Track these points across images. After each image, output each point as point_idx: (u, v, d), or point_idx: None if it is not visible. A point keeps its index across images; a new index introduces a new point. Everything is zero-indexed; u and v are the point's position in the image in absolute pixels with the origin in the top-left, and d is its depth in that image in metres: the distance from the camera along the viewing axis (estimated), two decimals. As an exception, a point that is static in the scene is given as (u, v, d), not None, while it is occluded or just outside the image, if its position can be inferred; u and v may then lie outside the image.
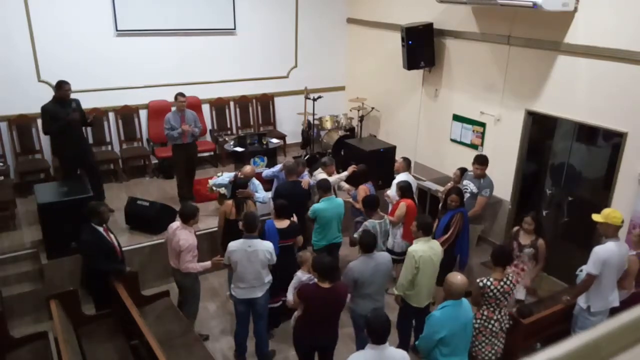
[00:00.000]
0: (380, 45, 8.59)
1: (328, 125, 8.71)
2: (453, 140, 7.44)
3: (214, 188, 6.47)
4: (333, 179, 5.97)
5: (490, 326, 4.08)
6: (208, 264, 4.83)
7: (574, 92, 5.66)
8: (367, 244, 4.31)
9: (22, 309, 5.38)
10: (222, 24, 8.36)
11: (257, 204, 5.71)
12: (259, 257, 4.46)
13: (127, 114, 7.97)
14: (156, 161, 8.06)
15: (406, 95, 8.32)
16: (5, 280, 5.50)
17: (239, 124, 8.92)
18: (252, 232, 4.49)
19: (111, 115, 7.85)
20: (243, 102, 8.91)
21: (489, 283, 4.00)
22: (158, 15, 7.80)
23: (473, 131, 7.08)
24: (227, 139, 8.16)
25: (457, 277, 3.69)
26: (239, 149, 7.39)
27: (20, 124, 7.22)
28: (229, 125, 8.83)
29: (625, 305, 4.27)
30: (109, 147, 7.90)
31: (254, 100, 9.01)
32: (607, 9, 5.23)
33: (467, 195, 5.58)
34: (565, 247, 5.91)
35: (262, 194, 5.82)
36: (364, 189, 5.84)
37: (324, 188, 5.48)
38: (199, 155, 7.61)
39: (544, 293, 5.42)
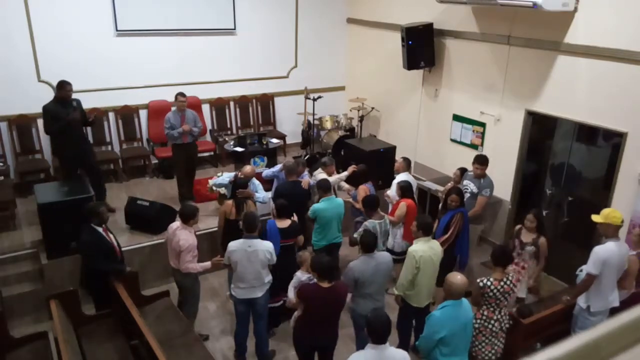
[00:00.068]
0: (380, 45, 8.59)
1: (328, 125, 8.71)
2: (453, 140, 7.44)
3: (214, 188, 6.47)
4: (333, 179, 5.97)
5: (490, 326, 4.08)
6: (208, 264, 4.83)
7: (574, 92, 5.66)
8: (368, 243, 4.31)
9: (22, 309, 5.38)
10: (222, 24, 8.36)
11: (257, 204, 5.71)
12: (259, 257, 4.46)
13: (127, 114, 7.97)
14: (156, 161, 8.06)
15: (406, 95, 8.32)
16: (5, 280, 5.50)
17: (239, 124, 8.92)
18: (252, 232, 4.49)
19: (111, 115, 7.85)
20: (243, 102, 8.91)
21: (489, 283, 4.00)
22: (158, 15, 7.80)
23: (473, 131, 7.08)
24: (227, 139, 8.16)
25: (457, 277, 3.69)
26: (239, 149, 7.39)
27: (20, 124, 7.22)
28: (229, 125, 8.83)
29: (625, 305, 4.27)
30: (109, 147, 7.90)
31: (254, 100, 9.01)
32: (607, 9, 5.23)
33: (467, 195, 5.58)
34: (565, 247, 5.90)
35: (262, 194, 5.82)
36: (364, 189, 5.84)
37: (324, 188, 5.49)
38: (199, 155, 7.61)
39: (544, 293, 5.42)
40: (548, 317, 4.49)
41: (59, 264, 5.53)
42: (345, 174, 6.24)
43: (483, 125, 6.91)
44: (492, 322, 4.08)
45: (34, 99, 6.97)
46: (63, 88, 6.08)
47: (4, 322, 4.39)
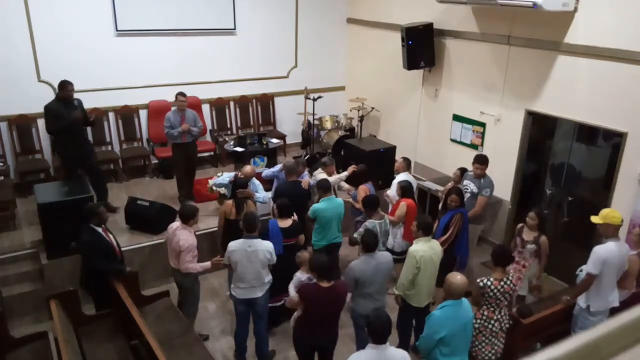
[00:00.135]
0: (380, 45, 8.59)
1: (328, 125, 8.71)
2: (453, 140, 7.44)
3: (214, 188, 6.47)
4: (333, 179, 5.97)
5: (490, 326, 4.08)
6: (208, 264, 4.83)
7: (574, 92, 5.66)
8: (369, 243, 4.31)
9: (22, 309, 5.38)
10: (222, 24, 8.36)
11: (257, 204, 5.71)
12: (259, 257, 4.46)
13: (127, 114, 7.97)
14: (156, 161, 8.06)
15: (406, 95, 8.32)
16: (5, 280, 5.50)
17: (239, 124, 8.92)
18: (252, 232, 4.49)
19: (111, 115, 7.85)
20: (243, 102, 8.91)
21: (489, 283, 4.00)
22: (158, 15, 7.80)
23: (473, 131, 7.08)
24: (227, 139, 8.16)
25: (457, 277, 3.69)
26: (239, 149, 7.39)
27: (20, 124, 7.22)
28: (229, 125, 8.83)
29: (625, 305, 4.27)
30: (109, 147, 7.90)
31: (254, 100, 9.01)
32: (607, 9, 5.23)
33: (467, 195, 5.58)
34: (565, 247, 5.90)
35: (262, 194, 5.82)
36: (364, 189, 5.84)
37: (324, 188, 5.49)
38: (199, 155, 7.61)
39: (544, 293, 5.42)
40: (548, 317, 4.49)
41: (59, 264, 5.53)
42: (345, 174, 6.24)
43: (483, 125, 6.91)
44: (492, 322, 4.08)
45: (34, 99, 6.98)
46: (65, 88, 6.09)
47: (4, 322, 4.39)
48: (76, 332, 4.52)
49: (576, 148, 6.05)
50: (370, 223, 5.05)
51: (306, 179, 6.00)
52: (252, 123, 9.04)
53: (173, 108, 6.79)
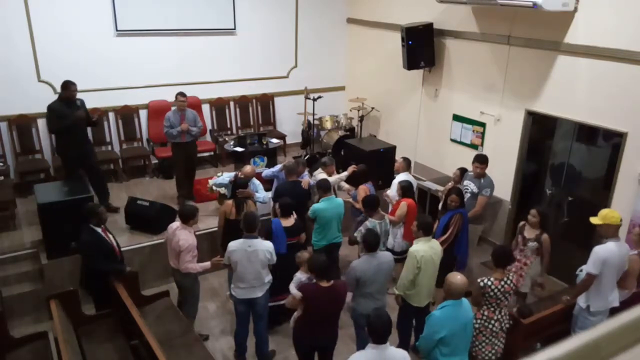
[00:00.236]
0: (380, 45, 8.59)
1: (328, 125, 8.71)
2: (453, 140, 7.44)
3: (214, 188, 6.47)
4: (333, 179, 5.97)
5: (490, 326, 4.09)
6: (207, 264, 4.83)
7: (574, 92, 5.66)
8: (371, 243, 4.31)
9: (22, 309, 5.38)
10: (222, 24, 8.36)
11: (257, 204, 5.71)
12: (259, 257, 4.46)
13: (127, 114, 7.97)
14: (156, 161, 8.06)
15: (406, 95, 8.32)
16: (5, 280, 5.50)
17: (239, 124, 8.92)
18: (252, 232, 4.49)
19: (111, 115, 7.85)
20: (243, 102, 8.91)
21: (489, 283, 4.01)
22: (158, 15, 7.80)
23: (473, 131, 7.08)
24: (227, 139, 8.16)
25: (457, 277, 3.69)
26: (239, 149, 7.39)
27: (20, 124, 7.22)
28: (229, 125, 8.83)
29: (625, 305, 4.27)
30: (109, 147, 7.90)
31: (254, 100, 9.01)
32: (607, 9, 5.23)
33: (467, 195, 5.58)
34: (565, 247, 5.90)
35: (262, 194, 5.82)
36: (364, 189, 5.84)
37: (324, 188, 5.49)
38: (199, 155, 7.61)
39: (544, 293, 5.42)
40: (548, 317, 4.49)
41: (59, 264, 5.53)
42: (345, 174, 6.24)
43: (483, 125, 6.91)
44: (493, 322, 4.08)
45: (34, 99, 6.99)
46: (68, 88, 6.10)
47: (4, 322, 4.39)
48: (76, 332, 4.52)
49: (576, 148, 6.05)
50: (370, 223, 5.05)
51: (306, 179, 6.00)
52: (252, 123, 9.04)
53: (173, 108, 6.79)
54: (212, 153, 8.62)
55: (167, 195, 7.19)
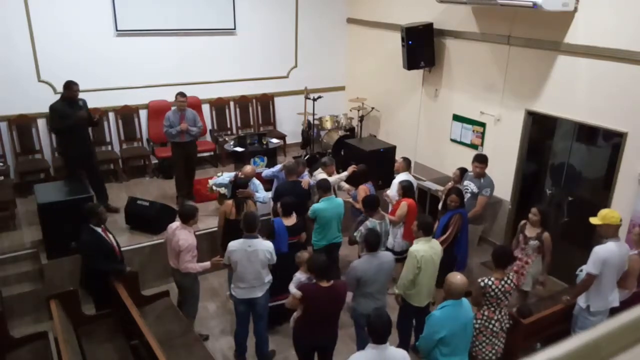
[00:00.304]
0: (380, 45, 8.59)
1: (328, 125, 8.71)
2: (453, 140, 7.44)
3: (214, 188, 6.47)
4: (333, 179, 5.97)
5: (491, 326, 4.09)
6: (207, 264, 4.83)
7: (574, 92, 5.66)
8: (372, 242, 4.31)
9: (22, 309, 5.38)
10: (222, 24, 8.36)
11: (257, 204, 5.71)
12: (259, 257, 4.46)
13: (127, 114, 7.97)
14: (156, 161, 8.06)
15: (406, 95, 8.32)
16: (5, 280, 5.50)
17: (239, 124, 8.92)
18: (252, 232, 4.49)
19: (111, 115, 7.85)
20: (243, 102, 8.91)
21: (490, 282, 4.01)
22: (158, 15, 7.80)
23: (473, 131, 7.08)
24: (227, 139, 8.17)
25: (457, 277, 3.69)
26: (239, 149, 7.39)
27: (20, 124, 7.22)
28: (229, 125, 8.83)
29: (625, 305, 4.27)
30: (109, 147, 7.90)
31: (254, 100, 9.01)
32: (607, 9, 5.23)
33: (467, 195, 5.59)
34: (565, 247, 5.90)
35: (262, 194, 5.82)
36: (364, 189, 5.84)
37: (324, 188, 5.49)
38: (199, 155, 7.61)
39: (544, 293, 5.43)
40: (548, 317, 4.49)
41: (59, 264, 5.53)
42: (345, 174, 6.24)
43: (483, 125, 6.91)
44: (493, 322, 4.08)
45: (34, 99, 7.00)
46: (70, 88, 6.10)
47: (4, 322, 4.39)
48: (76, 332, 4.52)
49: (576, 148, 6.05)
50: (370, 223, 5.05)
51: (306, 179, 6.00)
52: (252, 123, 9.04)
53: (173, 108, 6.79)
54: (212, 153, 8.62)
55: (167, 195, 7.19)
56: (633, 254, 4.38)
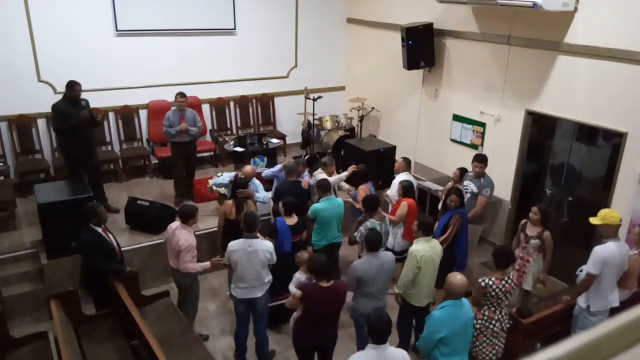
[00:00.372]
0: (380, 45, 8.59)
1: (328, 125, 8.71)
2: (453, 140, 7.44)
3: (214, 188, 6.47)
4: (333, 179, 5.97)
5: (491, 326, 4.08)
6: (207, 264, 4.83)
7: (574, 92, 5.66)
8: (373, 242, 4.31)
9: (22, 309, 5.38)
10: (222, 24, 8.36)
11: (257, 204, 5.71)
12: (259, 257, 4.46)
13: (127, 114, 7.97)
14: (156, 161, 8.06)
15: (406, 95, 8.32)
16: (5, 280, 5.50)
17: (239, 124, 8.92)
18: (252, 232, 4.49)
19: (111, 115, 7.85)
20: (243, 102, 8.91)
21: (490, 282, 4.01)
22: (158, 15, 7.80)
23: (473, 131, 7.08)
24: (227, 139, 8.16)
25: (457, 277, 3.69)
26: (239, 149, 7.39)
27: (20, 124, 7.22)
28: (229, 125, 8.83)
29: (625, 305, 4.27)
30: (109, 147, 7.90)
31: (254, 100, 9.01)
32: (607, 9, 5.23)
33: (467, 195, 5.59)
34: (565, 247, 5.90)
35: (262, 194, 5.82)
36: (364, 189, 5.85)
37: (324, 188, 5.49)
38: (199, 155, 7.61)
39: (544, 293, 5.43)
40: (548, 317, 4.49)
41: (59, 264, 5.53)
42: (345, 174, 6.24)
43: (483, 125, 6.91)
44: (494, 322, 4.08)
45: (34, 99, 7.00)
46: (72, 88, 6.10)
47: (4, 322, 4.39)
48: (76, 332, 4.52)
49: (576, 148, 6.05)
50: (371, 223, 5.05)
51: (306, 179, 6.00)
52: (252, 123, 9.04)
53: (173, 108, 6.79)
54: (212, 153, 8.62)
55: (167, 195, 7.18)
56: (633, 254, 4.38)
